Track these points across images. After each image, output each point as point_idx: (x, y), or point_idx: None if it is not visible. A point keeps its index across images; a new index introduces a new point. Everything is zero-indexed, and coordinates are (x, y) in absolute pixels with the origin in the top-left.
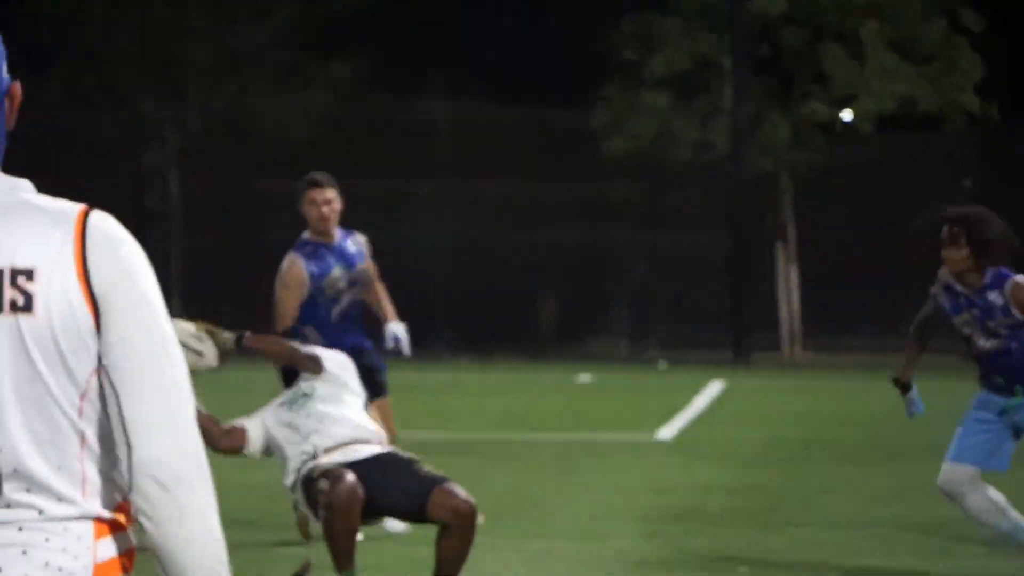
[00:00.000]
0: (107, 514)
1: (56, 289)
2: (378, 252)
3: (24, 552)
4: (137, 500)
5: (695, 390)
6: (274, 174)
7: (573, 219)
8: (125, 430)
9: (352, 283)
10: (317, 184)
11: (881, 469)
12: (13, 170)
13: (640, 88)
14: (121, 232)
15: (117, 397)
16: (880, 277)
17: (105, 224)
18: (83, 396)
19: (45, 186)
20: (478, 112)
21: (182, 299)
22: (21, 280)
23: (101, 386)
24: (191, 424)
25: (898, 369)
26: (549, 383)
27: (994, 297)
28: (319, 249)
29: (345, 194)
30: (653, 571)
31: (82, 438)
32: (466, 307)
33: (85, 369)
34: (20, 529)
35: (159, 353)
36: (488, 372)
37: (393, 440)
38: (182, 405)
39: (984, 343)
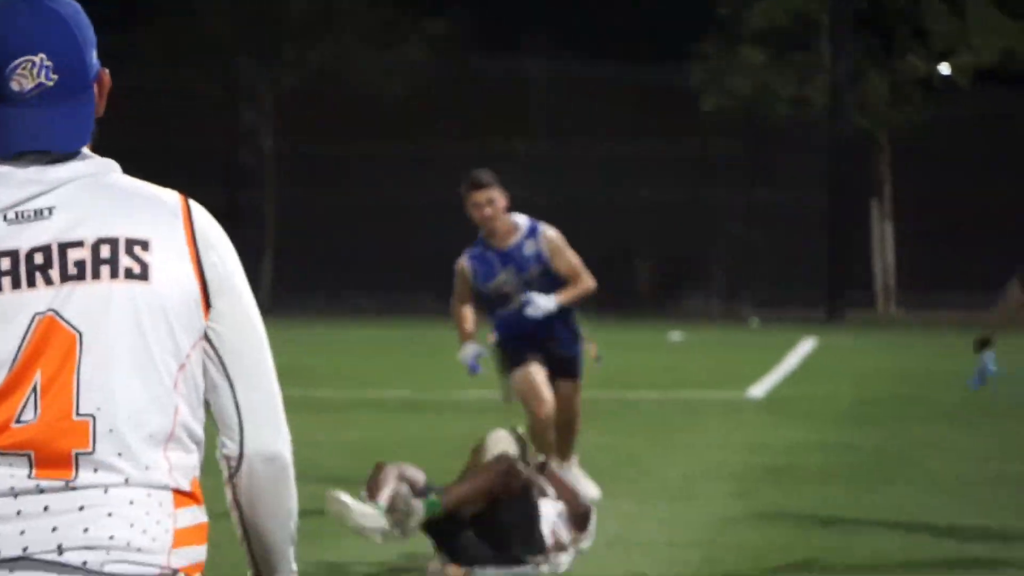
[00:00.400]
0: (187, 486)
1: (170, 263)
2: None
3: (109, 514)
4: (243, 481)
5: (788, 348)
6: (368, 133)
7: (669, 177)
8: (239, 416)
9: (526, 285)
10: (476, 185)
11: (978, 427)
12: (108, 139)
13: (737, 44)
14: (215, 222)
15: (229, 383)
16: (976, 234)
17: (204, 212)
18: (181, 368)
19: (142, 144)
20: (574, 70)
21: (274, 257)
22: (137, 250)
23: (198, 366)
24: (283, 411)
25: (985, 326)
26: (642, 341)
27: None
28: (486, 252)
29: (438, 154)
30: (745, 530)
31: (175, 410)
32: None
33: (186, 344)
34: (106, 491)
35: (257, 338)
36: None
37: (574, 431)
38: (278, 389)
39: None
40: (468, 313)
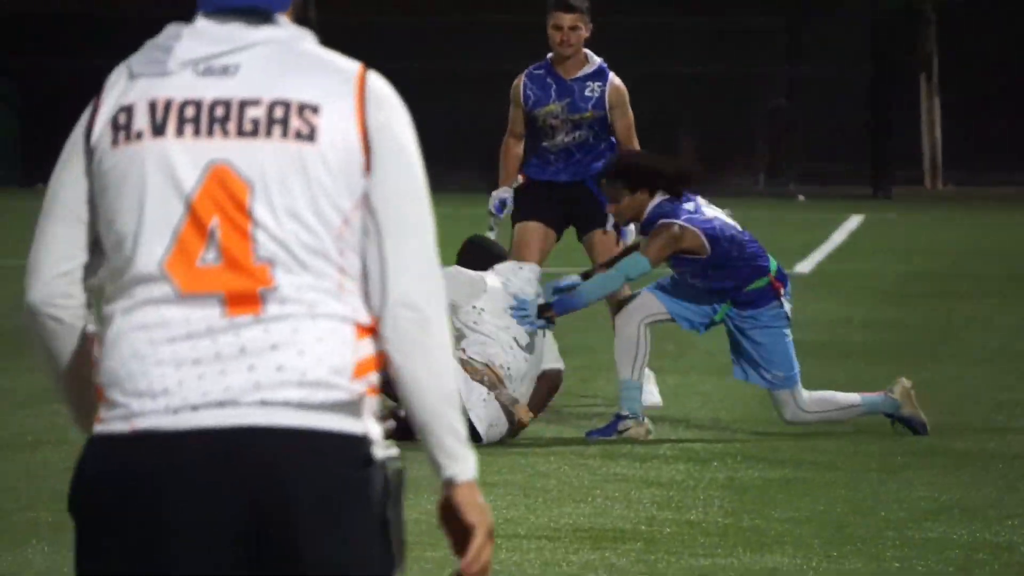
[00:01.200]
0: (365, 320)
1: (337, 127)
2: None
3: (301, 352)
4: (388, 332)
5: (834, 224)
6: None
7: (712, 51)
8: (383, 266)
9: (575, 126)
10: (565, 6)
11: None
12: None
13: None
14: (393, 92)
15: (379, 235)
16: None
17: (381, 82)
18: (345, 222)
19: None
20: None
21: None
22: (307, 113)
23: (358, 223)
24: (438, 266)
25: None
26: None
27: None
28: (547, 77)
29: (471, 24)
30: None
31: (340, 269)
32: None
33: (348, 203)
34: (294, 328)
35: (415, 197)
36: None
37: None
38: (433, 248)
39: None
40: (515, 151)
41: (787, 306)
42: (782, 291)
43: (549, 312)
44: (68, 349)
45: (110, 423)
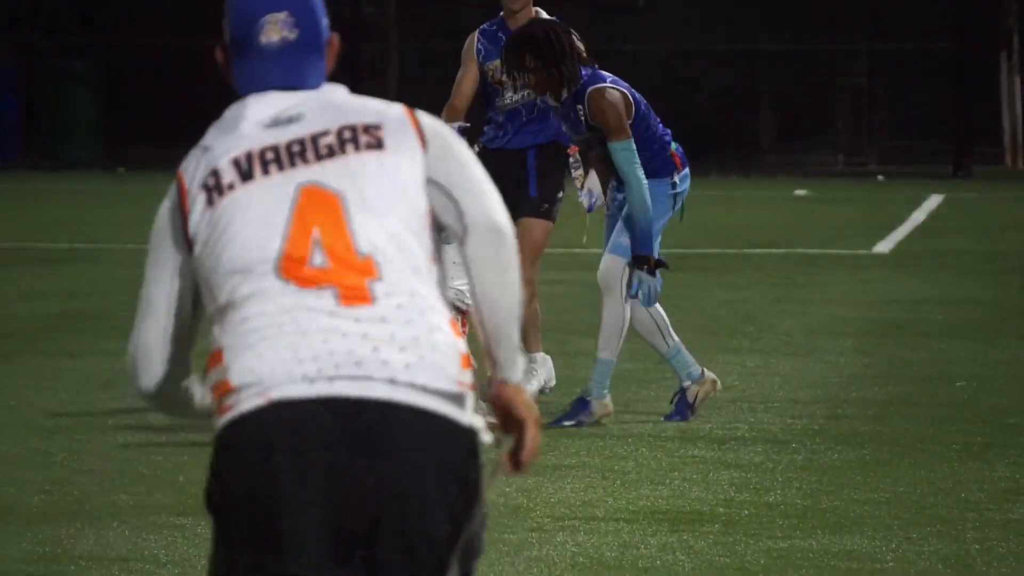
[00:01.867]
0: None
1: (401, 137)
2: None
3: (415, 337)
4: (470, 248)
5: (914, 203)
6: None
7: (792, 28)
8: (460, 197)
9: (523, 83)
10: None
11: None
12: None
13: None
14: (438, 120)
15: (448, 182)
16: None
17: (427, 114)
18: (424, 216)
19: None
20: None
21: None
22: (372, 130)
23: (430, 216)
24: (502, 210)
25: None
26: (766, 197)
27: None
28: (499, 32)
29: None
30: (869, 386)
31: (429, 250)
32: (681, 118)
33: (422, 198)
34: (408, 318)
35: (464, 151)
36: (704, 186)
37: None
38: (496, 195)
39: None
40: (465, 88)
41: (679, 187)
42: (681, 169)
43: (653, 262)
44: (187, 406)
45: (241, 404)
